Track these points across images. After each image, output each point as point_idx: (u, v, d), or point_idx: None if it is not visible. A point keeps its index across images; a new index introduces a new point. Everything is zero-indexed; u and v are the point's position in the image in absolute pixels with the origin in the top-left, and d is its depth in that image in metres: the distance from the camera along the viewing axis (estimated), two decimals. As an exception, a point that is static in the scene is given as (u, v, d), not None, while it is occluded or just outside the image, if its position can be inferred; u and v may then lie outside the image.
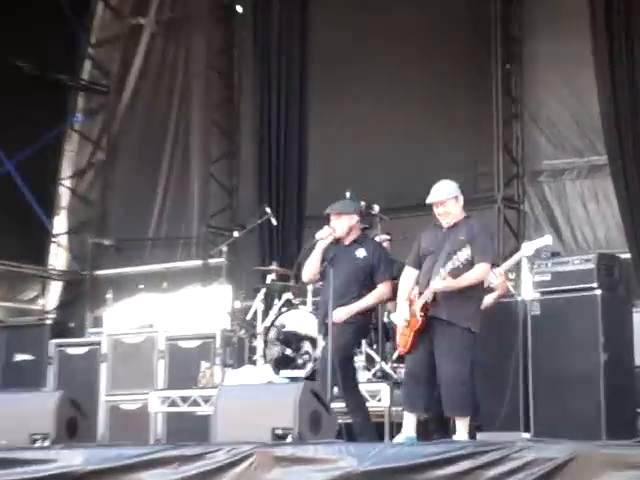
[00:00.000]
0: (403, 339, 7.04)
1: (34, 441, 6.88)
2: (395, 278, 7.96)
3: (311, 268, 8.18)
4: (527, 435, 6.88)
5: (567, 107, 12.98)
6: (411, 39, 13.55)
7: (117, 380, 10.58)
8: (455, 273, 6.70)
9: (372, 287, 7.95)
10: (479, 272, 6.84)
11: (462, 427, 6.74)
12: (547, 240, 8.16)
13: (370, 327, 8.48)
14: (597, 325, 7.31)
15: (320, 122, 13.82)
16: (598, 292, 7.45)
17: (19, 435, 6.95)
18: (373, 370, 8.69)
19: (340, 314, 7.65)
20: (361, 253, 7.99)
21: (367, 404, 8.24)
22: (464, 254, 6.67)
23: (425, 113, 13.57)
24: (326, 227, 8.15)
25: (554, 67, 13.06)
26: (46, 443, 6.83)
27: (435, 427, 7.44)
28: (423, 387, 6.95)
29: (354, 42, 13.85)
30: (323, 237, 8.09)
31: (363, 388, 8.39)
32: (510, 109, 13.40)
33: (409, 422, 6.97)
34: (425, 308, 6.81)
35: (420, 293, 6.92)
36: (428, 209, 7.33)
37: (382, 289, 7.97)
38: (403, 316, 7.04)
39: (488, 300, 7.54)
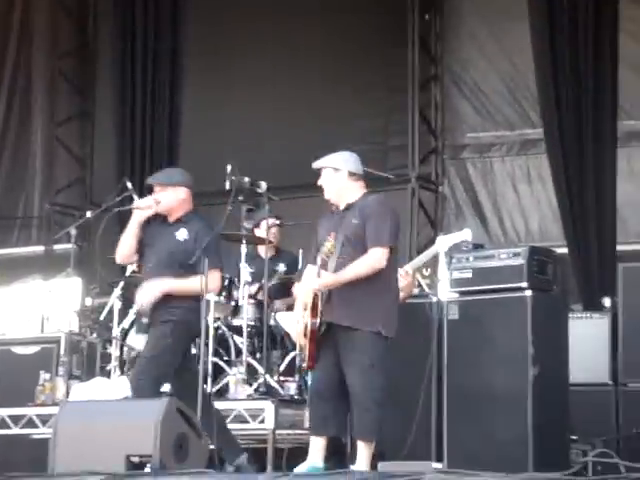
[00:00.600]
0: (306, 354, 7.03)
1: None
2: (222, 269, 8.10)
3: (125, 246, 8.09)
4: (439, 465, 6.90)
5: (497, 69, 13.04)
6: None
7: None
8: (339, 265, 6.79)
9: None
10: (372, 259, 6.82)
11: (365, 454, 6.75)
12: (466, 235, 8.21)
13: (197, 329, 8.07)
14: (526, 333, 7.29)
15: (197, 82, 14.03)
16: (528, 293, 7.43)
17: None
18: (255, 384, 8.69)
19: (146, 297, 7.69)
20: (182, 235, 7.92)
21: (248, 426, 8.35)
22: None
23: (326, 75, 13.55)
24: (149, 197, 8.13)
25: (482, 20, 13.13)
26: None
27: (330, 452, 7.48)
28: (330, 405, 6.96)
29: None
30: (141, 207, 8.08)
31: (242, 406, 8.48)
32: (428, 70, 13.34)
33: (316, 448, 6.96)
34: (316, 312, 6.83)
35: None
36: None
37: (212, 280, 7.86)
38: (296, 328, 7.08)
39: None
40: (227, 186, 9.37)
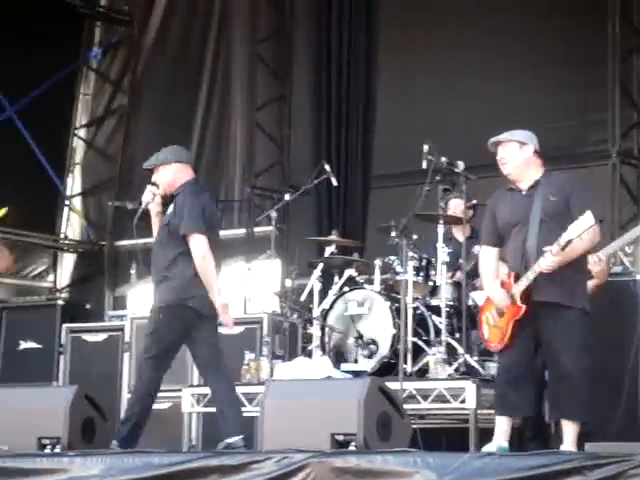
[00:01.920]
0: (497, 332, 6.97)
1: (43, 446, 6.93)
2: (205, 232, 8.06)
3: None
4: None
5: None
6: None
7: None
8: (564, 245, 6.56)
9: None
10: (593, 234, 6.70)
11: (572, 435, 6.63)
12: None
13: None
14: None
15: (392, 62, 13.96)
16: None
17: (24, 439, 7.00)
18: (455, 364, 8.66)
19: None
20: (169, 210, 8.15)
21: (449, 405, 8.28)
22: (568, 236, 6.47)
23: (522, 50, 13.35)
24: (148, 187, 8.30)
25: None
26: (57, 449, 6.87)
27: (532, 434, 7.42)
28: (525, 387, 6.88)
29: None
30: (149, 200, 8.26)
31: (443, 385, 8.40)
32: (630, 41, 12.96)
33: (501, 429, 6.90)
34: (527, 293, 6.75)
35: (516, 275, 6.86)
36: None
37: (193, 247, 7.99)
38: (502, 302, 6.94)
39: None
40: (424, 165, 9.36)
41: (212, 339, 8.07)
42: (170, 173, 8.28)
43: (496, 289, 6.99)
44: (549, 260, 6.58)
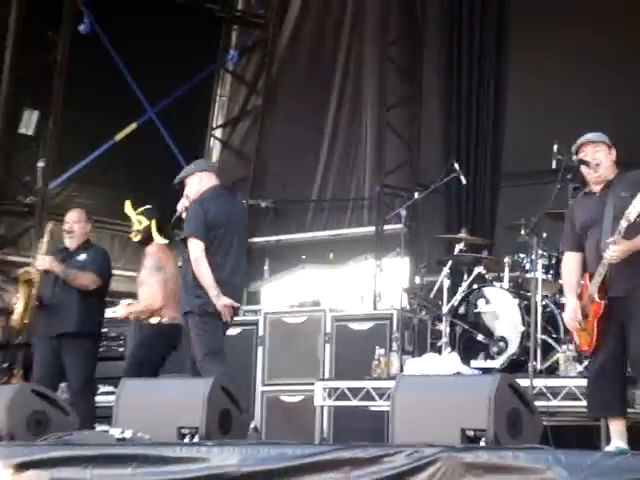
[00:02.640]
0: (585, 335, 7.00)
1: (182, 436, 7.00)
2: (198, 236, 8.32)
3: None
4: None
5: None
6: None
7: (276, 367, 10.69)
8: (631, 234, 6.64)
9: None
10: None
11: None
12: None
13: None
14: None
15: (522, 64, 13.89)
16: None
17: (166, 429, 7.08)
18: (585, 362, 8.50)
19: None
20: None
21: (579, 403, 8.14)
22: (636, 208, 6.54)
23: None
24: (182, 198, 8.68)
25: None
26: (195, 439, 6.93)
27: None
28: (618, 384, 6.91)
29: None
30: (181, 210, 8.73)
31: (573, 383, 8.34)
32: None
33: (617, 429, 6.86)
34: (604, 288, 6.76)
35: (591, 275, 6.88)
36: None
37: (189, 250, 8.34)
38: (572, 315, 7.07)
39: None
40: (553, 165, 9.31)
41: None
42: (196, 183, 8.67)
43: (570, 302, 7.12)
44: (613, 250, 6.61)
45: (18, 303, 9.72)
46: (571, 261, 7.15)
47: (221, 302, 8.13)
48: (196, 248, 8.23)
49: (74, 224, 9.92)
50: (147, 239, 9.38)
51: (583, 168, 7.22)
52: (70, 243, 9.84)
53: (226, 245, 8.47)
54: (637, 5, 13.07)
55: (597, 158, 7.09)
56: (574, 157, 9.05)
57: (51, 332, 9.59)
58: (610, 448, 6.78)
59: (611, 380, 6.88)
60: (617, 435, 6.82)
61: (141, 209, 9.57)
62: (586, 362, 8.52)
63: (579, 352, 8.26)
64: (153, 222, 9.39)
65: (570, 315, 7.14)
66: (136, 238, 9.50)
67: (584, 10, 13.51)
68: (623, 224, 6.56)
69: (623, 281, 6.72)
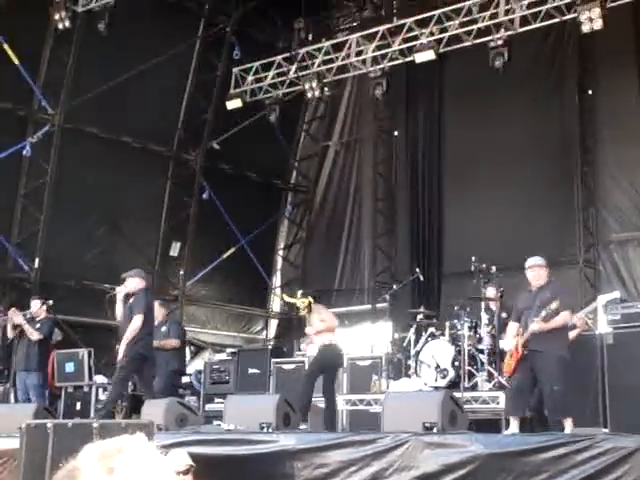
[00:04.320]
0: (508, 366, 6.98)
1: (262, 428, 6.96)
2: (145, 313, 7.99)
3: (119, 311, 8.18)
4: (606, 430, 6.62)
5: (628, 196, 12.44)
6: (517, 151, 13.18)
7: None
8: (547, 319, 6.62)
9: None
10: (564, 317, 6.78)
11: (568, 425, 6.50)
12: (615, 294, 8.04)
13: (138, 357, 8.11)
14: None
15: (454, 206, 13.86)
16: None
17: (252, 423, 7.06)
18: (493, 382, 8.56)
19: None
20: (131, 300, 8.01)
21: (490, 406, 8.08)
22: (554, 305, 6.58)
23: (529, 202, 13.00)
24: (120, 287, 8.14)
25: (618, 168, 12.55)
26: (270, 430, 6.91)
27: (537, 425, 7.28)
28: (525, 398, 6.90)
29: (478, 151, 13.58)
30: (118, 292, 8.12)
31: (486, 395, 8.25)
32: (587, 199, 12.83)
33: (514, 422, 6.82)
34: (525, 344, 6.75)
35: (522, 333, 6.85)
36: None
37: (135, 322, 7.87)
38: (510, 346, 6.99)
39: (572, 335, 7.41)
40: (472, 269, 9.24)
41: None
42: (136, 283, 8.09)
43: (511, 340, 7.00)
44: (534, 326, 6.62)
45: None
46: (513, 327, 7.07)
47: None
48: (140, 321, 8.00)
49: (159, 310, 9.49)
50: (309, 308, 8.51)
51: (528, 275, 7.06)
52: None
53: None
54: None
55: (537, 275, 6.97)
56: (483, 265, 9.12)
57: None
58: (508, 432, 6.76)
59: (519, 397, 6.90)
60: (514, 425, 6.78)
61: (299, 295, 8.78)
62: (492, 382, 8.55)
63: (501, 374, 8.20)
64: (310, 298, 8.64)
65: (508, 346, 7.08)
66: (305, 311, 8.55)
67: (495, 164, 13.37)
68: (543, 313, 6.62)
69: (536, 343, 6.69)
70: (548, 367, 6.63)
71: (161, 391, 8.82)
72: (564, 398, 6.61)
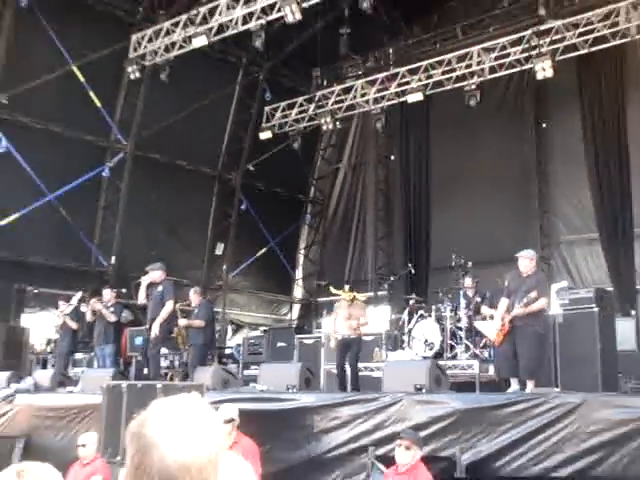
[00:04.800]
0: (498, 338, 6.63)
1: (288, 388, 6.93)
2: (176, 300, 7.82)
3: (141, 294, 7.85)
4: (557, 389, 6.55)
5: (574, 206, 12.40)
6: (488, 170, 13.08)
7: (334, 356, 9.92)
8: (526, 305, 6.37)
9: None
10: (540, 304, 6.46)
11: (531, 384, 6.32)
12: (564, 284, 7.85)
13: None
14: (595, 327, 6.87)
15: (438, 214, 13.76)
16: (596, 309, 6.96)
17: (280, 385, 7.02)
18: (469, 352, 8.48)
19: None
20: (159, 289, 7.71)
21: (466, 371, 7.94)
22: (533, 294, 6.32)
23: (498, 211, 12.93)
24: (145, 276, 7.83)
25: (566, 184, 12.48)
26: (294, 390, 6.87)
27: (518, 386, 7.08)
28: (512, 362, 6.49)
29: (457, 171, 13.55)
30: (143, 280, 7.85)
31: (464, 363, 8.10)
32: (542, 208, 12.78)
33: (514, 381, 6.47)
34: (512, 320, 6.51)
35: (508, 311, 6.59)
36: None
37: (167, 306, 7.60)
38: (496, 326, 6.64)
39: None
40: (452, 263, 9.18)
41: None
42: (158, 274, 7.78)
43: (498, 320, 6.65)
44: (518, 310, 6.41)
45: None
46: (503, 303, 6.62)
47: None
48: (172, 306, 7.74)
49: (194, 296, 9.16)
50: (353, 300, 7.86)
51: (518, 263, 6.59)
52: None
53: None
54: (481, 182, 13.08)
55: (525, 265, 6.55)
56: (461, 260, 8.97)
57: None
58: (510, 390, 6.39)
59: (509, 361, 6.48)
60: (514, 383, 6.44)
61: (346, 289, 8.07)
62: (469, 353, 8.36)
63: (477, 347, 7.98)
64: (355, 293, 8.05)
65: (494, 328, 6.70)
66: (348, 303, 7.84)
67: (470, 182, 13.19)
68: (525, 300, 6.36)
69: (518, 320, 6.39)
70: (526, 339, 6.41)
71: (192, 360, 8.69)
72: (537, 363, 6.41)
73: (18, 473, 1.41)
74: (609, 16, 10.23)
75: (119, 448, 5.51)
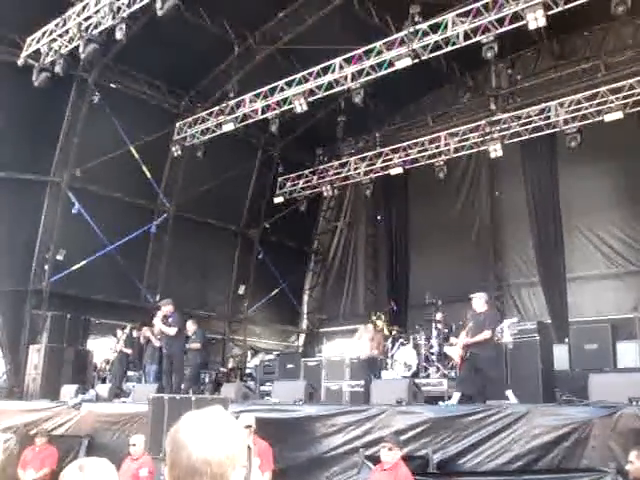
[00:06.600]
0: (460, 361, 6.65)
1: (295, 401, 6.81)
2: (180, 327, 7.81)
3: (157, 326, 8.07)
4: (508, 401, 6.55)
5: (520, 257, 12.38)
6: (455, 228, 13.07)
7: (332, 375, 9.59)
8: (476, 333, 6.34)
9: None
10: (485, 335, 6.39)
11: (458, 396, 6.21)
12: (514, 320, 7.75)
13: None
14: (537, 352, 6.94)
15: (415, 262, 13.65)
16: (538, 338, 7.08)
17: (289, 399, 6.90)
18: (440, 373, 8.43)
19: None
20: (170, 319, 7.88)
21: (437, 388, 7.80)
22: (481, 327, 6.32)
23: (462, 259, 12.67)
24: (159, 312, 8.00)
25: (514, 241, 12.48)
26: (300, 402, 6.76)
27: (476, 400, 7.01)
28: (466, 383, 6.50)
29: (430, 228, 13.49)
30: (158, 316, 7.98)
31: (435, 381, 8.00)
32: (496, 258, 12.68)
33: (456, 396, 6.52)
34: (465, 350, 6.50)
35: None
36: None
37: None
38: (457, 352, 6.67)
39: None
40: (426, 301, 9.27)
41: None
42: (168, 309, 7.90)
43: (458, 348, 6.65)
44: (463, 341, 6.42)
45: None
46: (462, 335, 6.63)
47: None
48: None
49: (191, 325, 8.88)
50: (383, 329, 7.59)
51: (473, 303, 6.50)
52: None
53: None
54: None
55: (476, 305, 6.45)
56: (433, 300, 8.91)
57: None
58: (450, 402, 6.40)
59: (463, 382, 6.49)
60: (455, 397, 6.45)
61: (382, 317, 7.83)
62: (439, 374, 8.25)
63: (446, 368, 7.85)
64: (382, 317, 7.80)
65: (455, 352, 6.72)
66: (380, 331, 7.58)
67: (440, 230, 13.00)
68: (470, 333, 6.33)
69: (474, 348, 6.36)
70: (482, 363, 6.34)
71: (189, 377, 8.58)
72: (495, 382, 6.31)
73: (80, 467, 1.43)
74: (543, 111, 10.74)
75: (161, 447, 5.54)
